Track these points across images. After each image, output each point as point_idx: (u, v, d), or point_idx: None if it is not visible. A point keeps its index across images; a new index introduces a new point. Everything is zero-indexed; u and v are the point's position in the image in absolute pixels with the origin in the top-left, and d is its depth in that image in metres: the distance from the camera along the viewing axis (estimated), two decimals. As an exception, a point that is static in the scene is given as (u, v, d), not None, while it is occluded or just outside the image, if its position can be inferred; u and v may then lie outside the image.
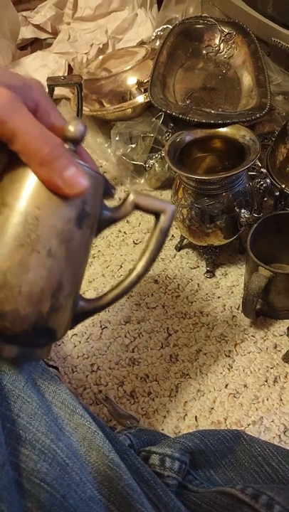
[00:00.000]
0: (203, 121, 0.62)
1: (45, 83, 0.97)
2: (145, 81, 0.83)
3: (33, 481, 0.31)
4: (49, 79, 0.69)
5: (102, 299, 0.33)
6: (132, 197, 0.32)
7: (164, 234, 0.33)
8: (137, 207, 0.32)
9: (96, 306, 0.33)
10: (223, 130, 0.61)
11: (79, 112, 0.74)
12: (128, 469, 0.36)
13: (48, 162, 0.24)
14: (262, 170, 0.54)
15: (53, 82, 0.69)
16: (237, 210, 0.59)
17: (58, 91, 0.93)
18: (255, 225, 0.58)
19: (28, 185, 0.26)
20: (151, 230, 0.33)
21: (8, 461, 0.31)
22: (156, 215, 0.33)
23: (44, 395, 0.37)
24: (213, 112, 0.64)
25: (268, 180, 0.54)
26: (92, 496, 0.33)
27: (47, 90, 0.70)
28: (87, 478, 0.34)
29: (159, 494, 0.37)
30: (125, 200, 0.32)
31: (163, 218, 0.32)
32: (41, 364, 0.39)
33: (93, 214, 0.30)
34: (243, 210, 0.59)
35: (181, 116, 0.64)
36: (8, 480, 0.30)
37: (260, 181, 0.54)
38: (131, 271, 0.33)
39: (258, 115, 0.64)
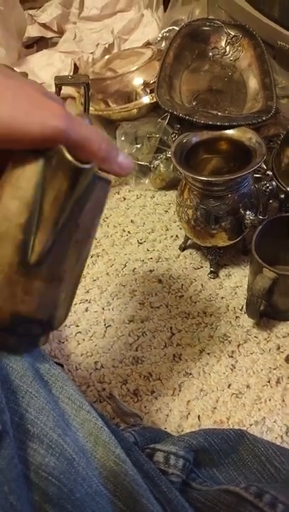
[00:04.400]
0: (210, 123, 0.62)
1: (51, 81, 0.97)
2: (151, 82, 0.83)
3: (41, 475, 0.31)
4: (56, 78, 0.70)
5: None
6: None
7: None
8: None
9: None
10: (229, 132, 0.62)
11: (85, 112, 0.74)
12: (133, 465, 0.36)
13: (107, 156, 0.27)
14: (268, 172, 0.55)
15: (61, 81, 0.70)
16: (242, 211, 0.59)
17: (64, 90, 0.93)
18: (260, 226, 0.58)
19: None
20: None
21: (17, 454, 0.31)
22: None
23: (51, 391, 0.38)
24: (219, 114, 0.65)
25: (274, 183, 0.55)
26: (98, 491, 0.33)
27: (54, 89, 0.70)
28: (93, 473, 0.34)
29: (164, 491, 0.38)
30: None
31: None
32: (48, 360, 0.40)
33: None
34: (248, 212, 0.59)
35: (187, 117, 0.64)
36: (17, 473, 0.30)
37: (265, 183, 0.54)
38: None
39: (264, 118, 0.64)
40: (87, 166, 0.26)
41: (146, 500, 0.33)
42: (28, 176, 0.26)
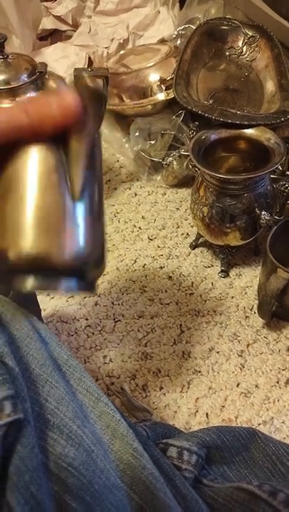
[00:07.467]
0: (229, 121, 0.62)
1: (65, 74, 0.97)
2: (168, 78, 0.83)
3: (61, 465, 0.31)
4: (76, 70, 0.69)
5: None
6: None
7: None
8: None
9: None
10: (248, 131, 0.62)
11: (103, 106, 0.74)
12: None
13: (42, 119, 0.26)
14: (287, 173, 0.55)
15: (80, 74, 0.69)
16: (257, 211, 0.59)
17: (77, 83, 0.93)
18: (275, 227, 0.58)
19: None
20: None
21: (37, 444, 0.31)
22: None
23: (69, 382, 0.37)
24: (238, 112, 0.65)
25: (292, 184, 0.55)
26: (115, 484, 0.33)
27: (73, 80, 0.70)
28: (111, 465, 0.34)
29: (178, 486, 0.37)
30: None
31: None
32: (66, 351, 0.40)
33: None
34: (263, 212, 0.59)
35: (206, 115, 0.64)
36: (37, 462, 0.30)
37: (284, 184, 0.54)
38: None
39: (282, 119, 0.64)
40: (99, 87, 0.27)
41: (163, 494, 0.33)
42: None
